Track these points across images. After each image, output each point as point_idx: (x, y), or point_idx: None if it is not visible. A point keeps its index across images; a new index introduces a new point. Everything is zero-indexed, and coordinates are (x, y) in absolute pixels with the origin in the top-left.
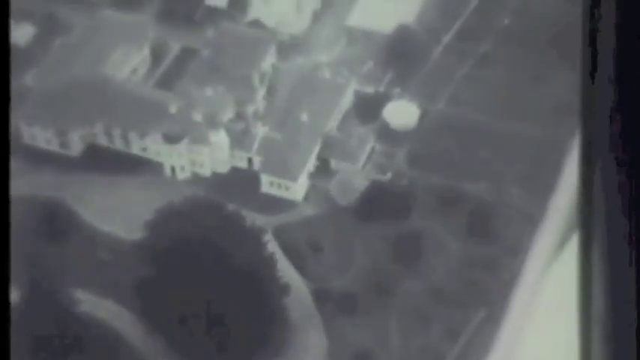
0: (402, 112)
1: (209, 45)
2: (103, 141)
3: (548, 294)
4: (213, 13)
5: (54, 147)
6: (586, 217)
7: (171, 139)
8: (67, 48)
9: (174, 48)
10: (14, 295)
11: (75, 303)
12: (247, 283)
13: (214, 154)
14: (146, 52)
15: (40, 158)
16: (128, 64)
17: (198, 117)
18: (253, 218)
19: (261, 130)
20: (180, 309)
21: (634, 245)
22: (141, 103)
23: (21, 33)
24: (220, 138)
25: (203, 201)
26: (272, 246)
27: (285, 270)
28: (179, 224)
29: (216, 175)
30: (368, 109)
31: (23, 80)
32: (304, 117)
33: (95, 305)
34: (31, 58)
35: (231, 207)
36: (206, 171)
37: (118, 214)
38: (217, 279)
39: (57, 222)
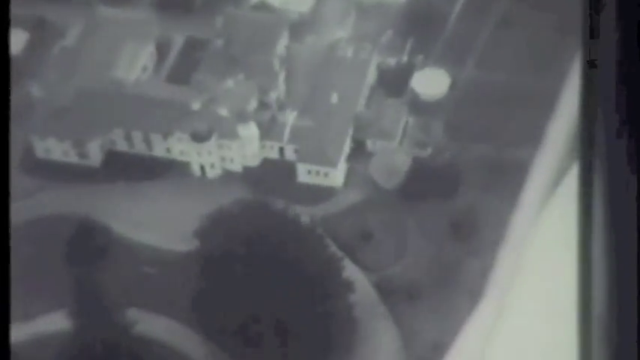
0: (431, 81)
1: (220, 34)
2: (122, 146)
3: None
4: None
5: (72, 159)
6: (586, 148)
7: (199, 137)
8: (68, 53)
9: (178, 40)
10: (66, 324)
11: (130, 324)
12: (309, 284)
13: (244, 148)
14: (152, 48)
15: (59, 172)
16: (137, 63)
17: (223, 111)
18: (297, 211)
19: (290, 117)
20: (241, 318)
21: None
22: (160, 103)
23: (14, 41)
24: (250, 131)
25: (250, 202)
26: (329, 241)
27: (346, 265)
28: (230, 229)
29: (247, 170)
30: (394, 81)
31: (28, 91)
32: (334, 98)
33: (151, 324)
34: (31, 67)
35: (278, 204)
36: (237, 166)
37: (154, 223)
38: (277, 283)
39: (91, 239)
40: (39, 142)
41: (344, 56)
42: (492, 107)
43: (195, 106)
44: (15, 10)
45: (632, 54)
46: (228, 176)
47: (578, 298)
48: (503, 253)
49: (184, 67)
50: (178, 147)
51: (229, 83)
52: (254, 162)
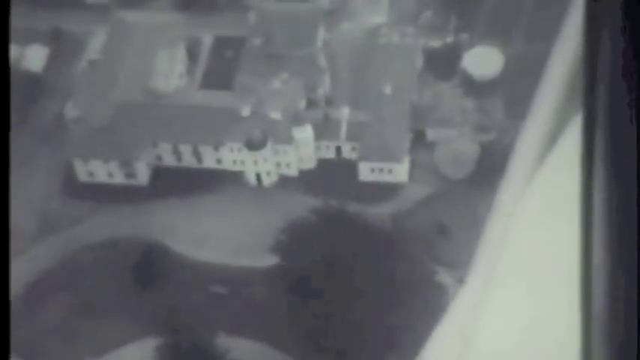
0: (483, 60)
1: (255, 31)
2: (170, 161)
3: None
4: None
5: (118, 179)
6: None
7: (254, 144)
8: (98, 66)
9: (206, 41)
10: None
11: (224, 353)
12: (406, 292)
13: (300, 151)
14: (183, 52)
15: (107, 195)
16: (174, 71)
17: (275, 114)
18: (374, 213)
19: (344, 114)
20: (342, 335)
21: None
22: (208, 112)
23: (34, 57)
24: (306, 133)
25: (325, 209)
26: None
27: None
28: (311, 241)
29: (304, 173)
30: (443, 64)
31: (60, 112)
32: (387, 89)
33: (246, 350)
34: (58, 85)
35: (352, 209)
36: (293, 171)
37: (216, 238)
38: (373, 293)
39: (153, 263)
40: (81, 166)
41: (389, 43)
42: None
43: (245, 111)
44: (28, 24)
45: None
46: (285, 182)
47: (579, 295)
48: (490, 226)
49: (219, 70)
50: (230, 157)
51: (276, 84)
52: (310, 164)
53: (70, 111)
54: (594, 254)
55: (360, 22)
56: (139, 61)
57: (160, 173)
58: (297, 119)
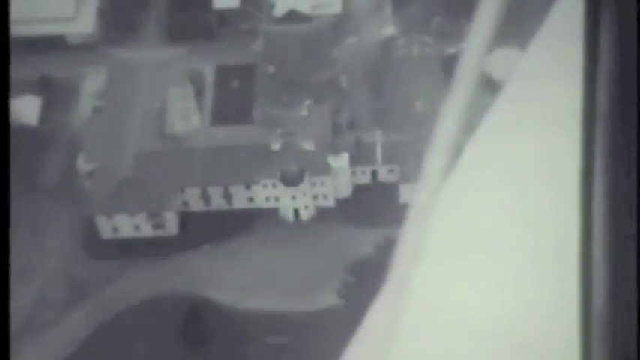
0: (504, 63)
1: (266, 57)
2: (198, 206)
3: None
4: (229, 18)
5: (146, 232)
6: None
7: (291, 179)
8: (105, 114)
9: (208, 72)
10: None
11: None
12: None
13: (337, 180)
14: (192, 87)
15: (136, 250)
16: (188, 110)
17: (308, 145)
18: None
19: (377, 136)
20: None
21: None
22: (234, 150)
23: (26, 110)
24: (343, 161)
25: (384, 243)
26: None
27: None
28: (375, 278)
29: (341, 203)
30: None
31: (69, 166)
32: (418, 105)
33: None
34: (58, 138)
35: None
36: (330, 201)
37: (261, 283)
38: None
39: (200, 319)
40: (105, 222)
41: (407, 55)
42: None
43: (275, 145)
44: (12, 74)
45: None
46: (323, 214)
47: (579, 295)
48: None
49: (229, 102)
50: (263, 194)
51: (302, 112)
52: (346, 192)
53: (83, 165)
54: (594, 254)
55: (367, 35)
56: (150, 103)
57: (187, 220)
58: (331, 147)
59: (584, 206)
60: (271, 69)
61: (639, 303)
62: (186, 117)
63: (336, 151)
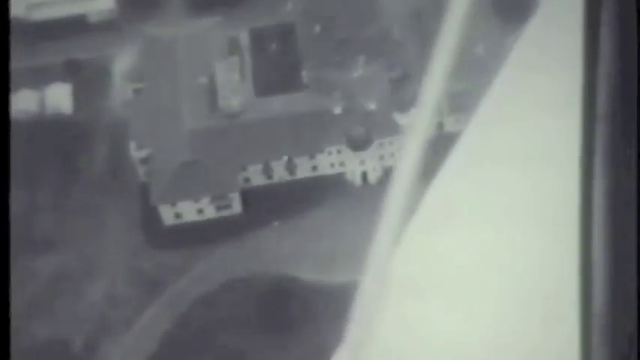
0: None
1: (307, 16)
2: (259, 181)
3: None
4: None
5: (210, 214)
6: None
7: (359, 143)
8: (148, 95)
9: (243, 37)
10: None
11: None
12: None
13: (403, 138)
14: (236, 58)
15: (203, 235)
16: (235, 81)
17: (371, 104)
18: None
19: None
20: None
21: None
22: (294, 120)
23: (58, 98)
24: (410, 117)
25: None
26: None
27: None
28: None
29: None
30: (512, 5)
31: (116, 154)
32: (480, 49)
33: None
34: (97, 125)
35: None
36: (397, 160)
37: (345, 253)
38: None
39: (290, 300)
40: (169, 210)
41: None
42: None
43: (337, 109)
44: (36, 62)
45: None
46: (390, 174)
47: (578, 297)
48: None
49: (270, 68)
50: (328, 161)
51: (359, 71)
52: None
53: (136, 152)
54: (594, 254)
55: None
56: (194, 78)
57: (249, 196)
58: (394, 104)
59: (584, 206)
60: (317, 28)
61: (639, 303)
62: (237, 90)
63: (400, 107)
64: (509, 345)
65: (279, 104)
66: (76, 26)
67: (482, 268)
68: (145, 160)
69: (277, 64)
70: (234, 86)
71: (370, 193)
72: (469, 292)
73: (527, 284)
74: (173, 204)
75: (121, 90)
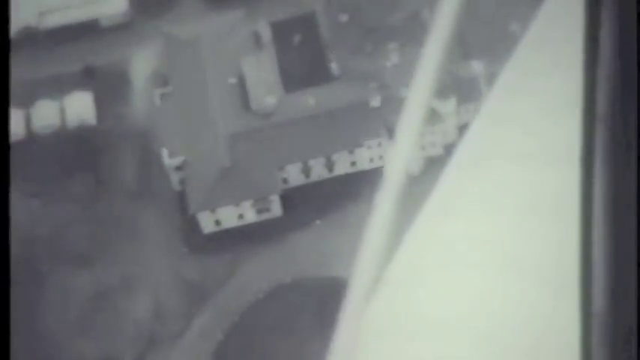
0: None
1: (330, 5)
2: (298, 181)
3: None
4: None
5: (250, 219)
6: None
7: None
8: (176, 99)
9: (264, 31)
10: None
11: None
12: None
13: (444, 125)
14: (265, 54)
15: (244, 240)
16: (266, 78)
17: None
18: None
19: (478, 69)
20: None
21: None
22: (331, 115)
23: (80, 108)
24: (451, 105)
25: None
26: None
27: None
28: None
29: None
30: None
31: (147, 162)
32: (513, 26)
33: None
34: (125, 133)
35: None
36: (439, 149)
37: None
38: None
39: (339, 304)
40: (208, 217)
41: None
42: None
43: (375, 101)
44: (52, 71)
45: None
46: (431, 164)
47: (578, 297)
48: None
49: (297, 60)
50: (367, 155)
51: (393, 59)
52: (452, 135)
53: (169, 160)
54: (594, 254)
55: None
56: (223, 78)
57: (288, 197)
58: (439, 91)
59: (584, 206)
60: (344, 17)
61: (639, 303)
62: (270, 87)
63: (439, 94)
64: (510, 345)
65: (312, 99)
66: (89, 31)
67: (483, 262)
68: (179, 168)
69: (303, 57)
70: (265, 84)
71: (412, 185)
72: (469, 285)
73: (528, 284)
74: (213, 211)
75: (144, 95)
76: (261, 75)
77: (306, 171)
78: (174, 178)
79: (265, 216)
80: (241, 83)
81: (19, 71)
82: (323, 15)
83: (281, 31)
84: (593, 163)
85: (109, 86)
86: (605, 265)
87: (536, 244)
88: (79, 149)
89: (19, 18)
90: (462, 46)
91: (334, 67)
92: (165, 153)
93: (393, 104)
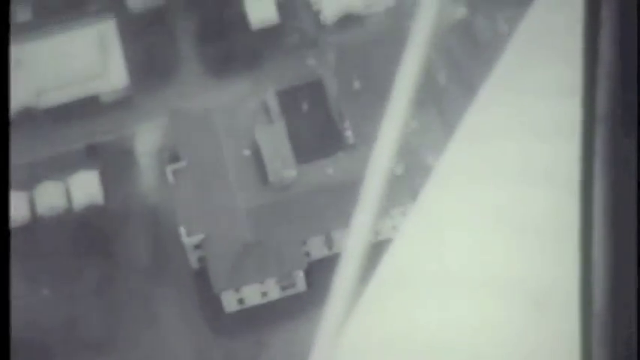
0: None
1: (339, 71)
2: (320, 254)
3: None
4: (271, 36)
5: (273, 296)
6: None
7: None
8: (190, 174)
9: (270, 99)
10: None
11: None
12: None
13: None
14: (280, 123)
15: (270, 319)
16: (284, 150)
17: (431, 158)
18: None
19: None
20: None
21: None
22: (353, 185)
23: (87, 189)
24: None
25: None
26: None
27: None
28: None
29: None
30: None
31: (168, 241)
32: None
33: None
34: (136, 213)
35: None
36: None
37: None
38: None
39: None
40: (231, 296)
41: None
42: None
43: (398, 169)
44: (58, 150)
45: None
46: None
47: (578, 297)
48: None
49: (308, 129)
50: (390, 223)
51: (411, 124)
52: None
53: (188, 238)
54: (594, 253)
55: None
56: (237, 151)
57: (311, 270)
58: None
59: (584, 206)
60: (356, 84)
61: (639, 303)
62: (285, 159)
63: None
64: (510, 346)
65: (330, 169)
66: (89, 108)
67: (479, 268)
68: (197, 246)
69: (314, 126)
70: (280, 156)
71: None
72: (463, 292)
73: (528, 284)
74: (237, 289)
75: (152, 171)
76: (276, 146)
77: (329, 243)
78: (193, 256)
79: (289, 292)
80: (256, 155)
81: (19, 153)
82: (331, 81)
83: (288, 99)
84: (593, 163)
85: (114, 164)
86: (605, 265)
87: (535, 251)
88: (88, 231)
89: (17, 98)
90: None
91: (349, 134)
92: (183, 231)
93: (417, 170)
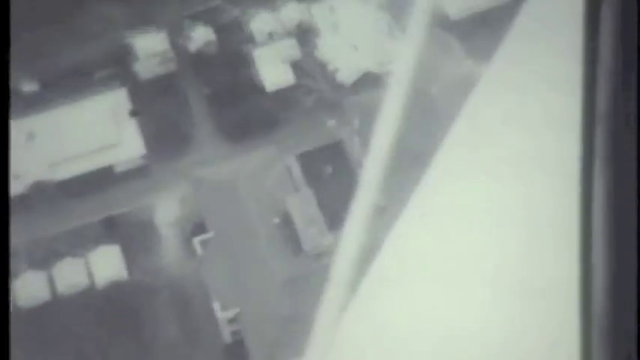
0: None
1: (364, 133)
2: None
3: None
4: (288, 98)
5: None
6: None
7: None
8: (219, 247)
9: (293, 165)
10: None
11: None
12: None
13: None
14: (309, 190)
15: None
16: (315, 217)
17: None
18: None
19: None
20: None
21: None
22: None
23: (109, 263)
24: None
25: None
26: None
27: None
28: None
29: None
30: None
31: (199, 318)
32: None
33: None
34: (163, 291)
35: None
36: None
37: None
38: None
39: None
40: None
41: None
42: None
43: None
44: (74, 225)
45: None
46: None
47: (578, 297)
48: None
49: (334, 194)
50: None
51: None
52: None
53: (222, 313)
54: (594, 254)
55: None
56: (267, 219)
57: None
58: None
59: (584, 206)
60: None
61: (639, 303)
62: (317, 225)
63: None
64: (510, 345)
65: (365, 236)
66: (104, 179)
67: (477, 266)
68: (232, 320)
69: (340, 189)
70: (311, 222)
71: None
72: (462, 288)
73: (527, 284)
74: None
75: (174, 243)
76: (306, 212)
77: None
78: (226, 330)
79: None
80: (285, 223)
81: (35, 230)
82: (353, 142)
83: (310, 163)
84: (593, 163)
85: (134, 236)
86: (605, 266)
87: (535, 251)
88: (112, 309)
89: (29, 172)
90: None
91: (382, 198)
92: (217, 306)
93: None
